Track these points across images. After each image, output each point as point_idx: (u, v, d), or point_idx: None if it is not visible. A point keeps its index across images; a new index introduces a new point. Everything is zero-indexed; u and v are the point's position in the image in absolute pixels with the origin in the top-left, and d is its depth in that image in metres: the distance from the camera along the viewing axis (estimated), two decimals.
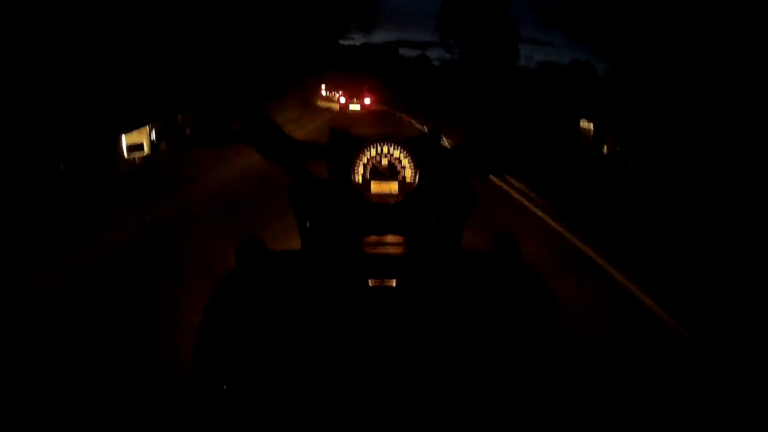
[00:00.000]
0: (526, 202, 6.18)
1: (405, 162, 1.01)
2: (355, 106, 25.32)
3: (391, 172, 1.01)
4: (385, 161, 1.01)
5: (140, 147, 0.92)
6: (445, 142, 1.07)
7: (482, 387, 0.74)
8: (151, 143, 0.93)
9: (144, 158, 0.93)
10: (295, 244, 1.22)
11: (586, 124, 1.00)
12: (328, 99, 29.84)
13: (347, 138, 1.03)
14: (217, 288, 0.88)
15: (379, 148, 1.01)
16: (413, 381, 0.71)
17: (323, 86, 28.54)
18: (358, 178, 1.00)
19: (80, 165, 5.37)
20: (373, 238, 0.97)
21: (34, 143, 5.36)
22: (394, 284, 0.80)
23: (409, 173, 1.01)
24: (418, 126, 17.71)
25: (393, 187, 1.00)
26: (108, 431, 1.87)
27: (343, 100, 26.45)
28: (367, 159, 1.01)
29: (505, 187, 6.67)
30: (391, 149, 1.02)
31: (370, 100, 27.24)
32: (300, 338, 0.74)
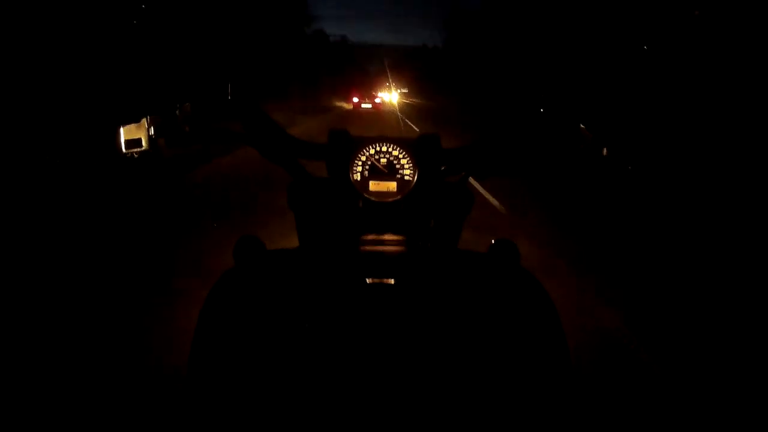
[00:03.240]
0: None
1: (403, 161, 1.01)
2: (366, 105, 30.54)
3: (390, 171, 1.00)
4: (383, 160, 1.01)
5: (138, 142, 0.92)
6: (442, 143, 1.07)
7: (478, 387, 0.73)
8: (150, 138, 0.93)
9: (142, 153, 0.93)
10: (293, 242, 1.22)
11: (585, 128, 1.00)
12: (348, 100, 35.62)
13: (346, 137, 1.03)
14: (214, 286, 0.88)
15: (377, 147, 1.01)
16: (410, 380, 0.71)
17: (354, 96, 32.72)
18: (357, 177, 1.00)
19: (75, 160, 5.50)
20: (371, 236, 0.97)
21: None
22: (392, 282, 0.79)
23: (407, 173, 1.00)
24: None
25: (391, 186, 1.00)
26: None
27: (356, 99, 31.73)
28: (366, 158, 1.01)
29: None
30: (390, 149, 1.02)
31: (381, 100, 32.79)
32: (298, 336, 0.74)
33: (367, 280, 0.80)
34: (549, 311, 0.84)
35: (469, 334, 0.75)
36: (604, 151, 0.95)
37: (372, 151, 1.01)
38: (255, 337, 0.77)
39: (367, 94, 31.70)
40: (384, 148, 1.01)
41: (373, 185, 0.99)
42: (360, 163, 1.01)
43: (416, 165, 1.00)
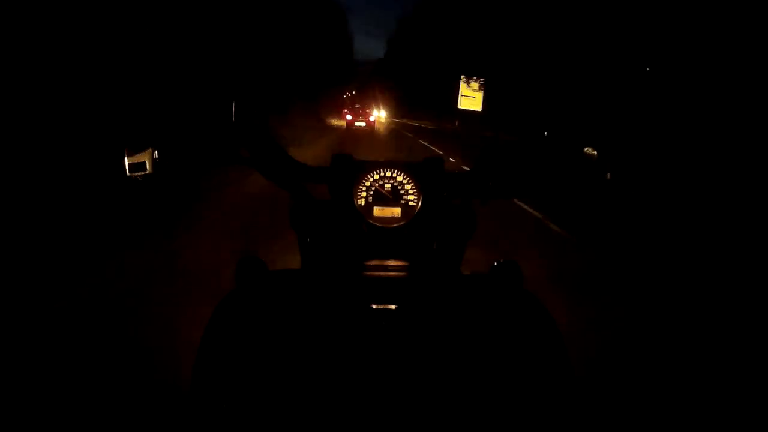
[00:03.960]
0: None
1: (408, 187, 1.01)
2: (360, 123, 28.56)
3: (394, 196, 1.00)
4: (387, 186, 1.01)
5: (143, 166, 0.92)
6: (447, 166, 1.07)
7: (481, 412, 0.72)
8: (154, 162, 0.93)
9: (145, 177, 0.93)
10: (295, 263, 1.21)
11: (590, 150, 1.00)
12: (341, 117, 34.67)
13: (349, 162, 1.03)
14: (217, 307, 0.87)
15: (382, 173, 1.01)
16: (412, 404, 0.70)
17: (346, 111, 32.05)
18: (361, 202, 0.99)
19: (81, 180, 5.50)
20: (374, 262, 0.96)
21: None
22: (394, 308, 0.79)
23: (411, 198, 1.00)
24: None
25: (396, 211, 0.99)
26: None
27: (350, 117, 29.66)
28: (370, 183, 1.00)
29: None
30: (394, 174, 1.01)
31: (374, 118, 31.30)
32: (299, 359, 0.73)
33: (373, 306, 0.79)
34: (552, 334, 0.84)
35: (472, 359, 0.75)
36: (608, 175, 0.95)
37: (376, 176, 1.01)
38: (257, 359, 0.76)
39: (362, 111, 30.45)
40: (388, 174, 1.01)
41: (378, 211, 0.99)
42: (364, 188, 1.00)
43: (420, 190, 1.00)
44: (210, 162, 1.00)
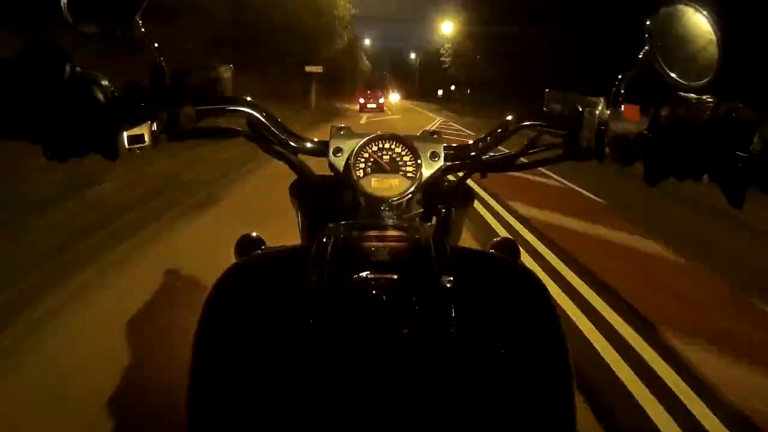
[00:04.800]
0: None
1: (406, 158, 1.01)
2: (371, 105, 35.56)
3: (392, 168, 1.01)
4: (386, 157, 1.01)
5: (141, 138, 0.92)
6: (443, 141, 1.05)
7: (474, 389, 0.73)
8: (152, 134, 0.92)
9: (145, 149, 0.93)
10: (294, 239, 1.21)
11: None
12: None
13: (348, 134, 1.04)
14: (216, 283, 0.88)
15: (380, 144, 1.02)
16: (411, 380, 0.70)
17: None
18: (360, 174, 1.00)
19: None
20: (374, 232, 0.96)
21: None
22: (395, 278, 0.79)
23: (410, 169, 1.00)
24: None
25: (394, 182, 1.00)
26: None
27: (362, 100, 36.42)
28: (369, 155, 1.01)
29: None
30: (392, 145, 1.02)
31: (383, 101, 38.17)
32: (299, 338, 0.73)
33: (373, 276, 0.79)
34: (548, 311, 0.84)
35: (469, 332, 0.75)
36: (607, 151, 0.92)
37: (375, 148, 1.01)
38: (258, 339, 0.77)
39: (372, 95, 36.64)
40: (386, 145, 1.02)
41: (376, 182, 0.99)
42: (362, 159, 1.01)
43: (418, 162, 1.00)
44: (207, 135, 1.00)
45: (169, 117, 0.93)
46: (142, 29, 0.89)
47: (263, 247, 1.25)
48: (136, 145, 0.91)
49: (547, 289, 0.88)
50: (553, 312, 0.84)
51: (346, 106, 40.49)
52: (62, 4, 0.86)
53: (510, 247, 1.29)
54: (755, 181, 0.74)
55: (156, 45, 0.91)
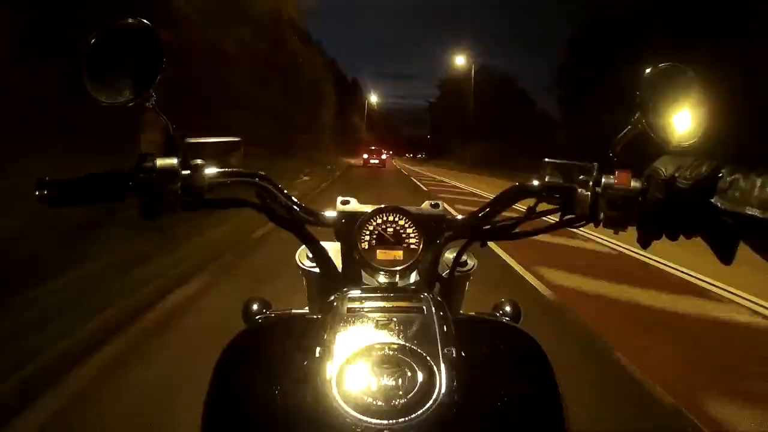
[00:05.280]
0: None
1: (409, 231, 1.05)
2: (374, 161, 40.78)
3: (396, 240, 1.04)
4: (390, 230, 1.05)
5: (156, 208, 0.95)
6: (447, 209, 1.10)
7: None
8: (166, 204, 0.95)
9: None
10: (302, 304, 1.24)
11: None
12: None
13: (353, 206, 1.08)
14: (225, 350, 0.90)
15: (384, 217, 1.06)
16: None
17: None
18: (365, 246, 1.03)
19: None
20: (380, 303, 0.99)
21: None
22: (403, 344, 0.81)
23: (413, 241, 1.04)
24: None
25: (398, 254, 1.03)
26: None
27: (366, 156, 41.89)
28: (374, 227, 1.05)
29: None
30: (396, 218, 1.06)
31: (386, 157, 43.75)
32: (309, 404, 0.75)
33: (381, 342, 0.81)
34: (547, 376, 0.87)
35: (472, 396, 0.77)
36: (601, 216, 0.94)
37: (379, 221, 1.05)
38: (265, 402, 0.79)
39: (376, 152, 41.62)
40: (390, 218, 1.05)
41: (381, 254, 1.03)
42: (367, 232, 1.04)
43: (421, 234, 1.04)
44: (216, 206, 1.03)
45: (182, 188, 0.96)
46: (154, 100, 0.92)
47: (267, 311, 1.27)
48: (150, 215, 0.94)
49: (545, 354, 0.90)
50: (551, 376, 0.87)
51: (352, 161, 45.83)
52: (83, 75, 0.89)
53: (513, 308, 1.31)
54: (744, 239, 0.75)
55: (166, 117, 0.94)
